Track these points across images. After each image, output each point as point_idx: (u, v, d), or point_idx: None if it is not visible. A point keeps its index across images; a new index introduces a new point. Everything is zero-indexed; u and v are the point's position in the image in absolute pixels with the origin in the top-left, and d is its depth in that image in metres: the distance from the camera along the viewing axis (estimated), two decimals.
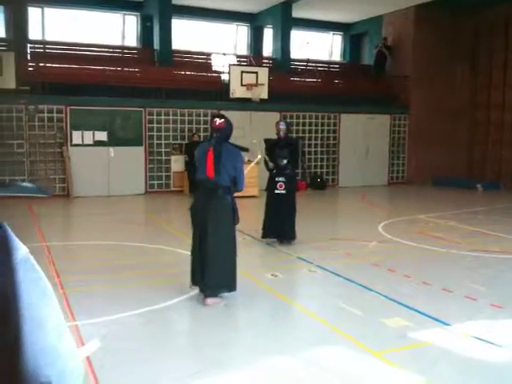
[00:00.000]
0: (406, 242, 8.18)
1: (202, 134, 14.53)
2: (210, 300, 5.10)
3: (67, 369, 1.17)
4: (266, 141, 8.23)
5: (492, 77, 17.13)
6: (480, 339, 4.25)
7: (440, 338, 4.29)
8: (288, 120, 15.62)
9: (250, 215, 9.64)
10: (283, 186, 7.71)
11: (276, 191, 7.74)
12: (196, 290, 5.43)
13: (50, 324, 1.12)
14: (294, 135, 15.52)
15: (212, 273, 5.06)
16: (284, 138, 7.86)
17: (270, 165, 7.83)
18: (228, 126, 5.25)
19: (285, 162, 7.76)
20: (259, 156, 7.50)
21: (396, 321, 4.66)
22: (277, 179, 7.76)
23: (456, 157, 17.75)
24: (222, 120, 5.21)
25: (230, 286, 5.23)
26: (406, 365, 3.77)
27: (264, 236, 7.90)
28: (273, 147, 7.88)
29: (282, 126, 7.88)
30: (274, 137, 8.04)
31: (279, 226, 7.75)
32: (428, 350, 4.09)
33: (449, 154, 17.48)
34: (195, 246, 5.25)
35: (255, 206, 11.01)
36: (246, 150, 6.03)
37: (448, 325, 4.58)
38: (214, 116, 5.38)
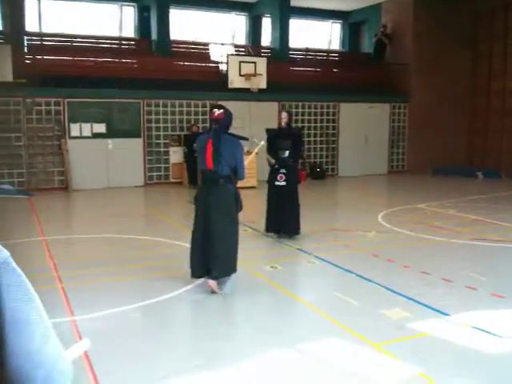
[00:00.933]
0: (406, 231, 8.15)
1: (200, 125, 14.46)
2: (213, 283, 5.16)
3: (54, 371, 1.15)
4: (268, 131, 8.12)
5: (492, 64, 17.02)
6: (480, 329, 4.23)
7: (439, 329, 4.27)
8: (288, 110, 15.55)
9: (249, 206, 9.58)
10: (283, 178, 7.51)
11: (276, 183, 7.56)
12: (195, 282, 5.43)
13: (34, 327, 1.11)
14: (294, 125, 15.48)
15: (217, 260, 5.14)
16: (286, 127, 7.69)
17: (272, 161, 7.63)
18: (227, 117, 5.25)
19: (286, 154, 7.56)
20: (262, 142, 7.25)
21: (395, 312, 4.64)
22: (277, 171, 7.57)
23: (456, 145, 17.68)
24: (221, 111, 5.22)
25: (233, 269, 5.32)
26: (405, 356, 3.76)
27: (266, 229, 7.77)
28: (274, 138, 7.72)
29: (284, 116, 7.72)
30: (275, 127, 7.88)
31: (279, 220, 7.55)
32: (427, 341, 4.08)
33: (449, 142, 17.42)
34: (197, 237, 5.29)
35: (254, 197, 11.00)
36: (245, 139, 6.00)
37: (447, 315, 4.57)
38: (212, 107, 5.39)
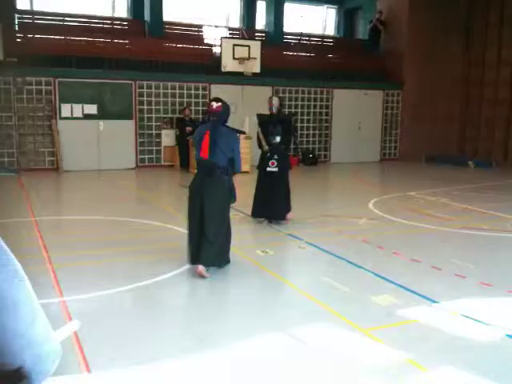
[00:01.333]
0: (397, 219, 8.18)
1: (193, 108, 14.38)
2: (202, 268, 5.18)
3: (43, 352, 1.13)
4: (259, 116, 8.06)
5: (486, 53, 17.01)
6: (468, 317, 4.27)
7: (428, 316, 4.30)
8: (281, 95, 15.49)
9: (242, 191, 9.52)
10: (275, 164, 7.51)
11: (268, 169, 7.54)
12: (186, 266, 5.43)
13: (22, 307, 1.09)
14: (287, 111, 15.43)
15: (210, 248, 5.22)
16: (276, 113, 7.65)
17: (265, 148, 7.60)
18: (224, 110, 5.41)
19: (277, 139, 7.57)
20: (253, 118, 7.27)
21: (384, 298, 4.67)
22: (269, 157, 7.55)
23: (449, 133, 17.73)
24: (219, 104, 5.39)
25: (226, 259, 5.50)
26: (393, 342, 3.78)
27: (253, 215, 7.77)
28: (265, 124, 7.69)
29: (275, 102, 7.67)
30: (267, 112, 7.86)
31: (269, 206, 7.54)
32: (416, 328, 4.10)
33: (442, 130, 17.46)
34: (192, 225, 5.36)
35: (247, 182, 10.96)
36: (242, 132, 6.07)
37: (436, 302, 4.59)
38: (211, 100, 5.55)
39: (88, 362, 3.41)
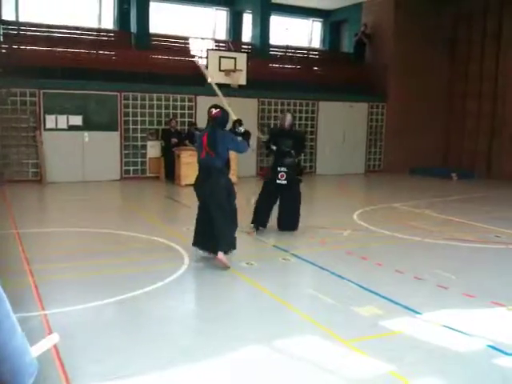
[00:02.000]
0: (381, 230, 8.22)
1: (179, 120, 14.38)
2: (221, 255, 5.87)
3: (20, 365, 1.13)
4: (271, 129, 8.25)
5: (469, 67, 17.25)
6: (450, 328, 4.30)
7: (411, 327, 4.32)
8: (265, 107, 15.56)
9: None
10: (284, 176, 7.75)
11: (277, 181, 7.76)
12: (169, 279, 5.42)
13: (2, 325, 1.09)
14: (273, 122, 15.49)
15: (221, 236, 5.89)
16: (289, 129, 7.94)
17: (273, 147, 7.84)
18: (223, 115, 6.02)
19: (287, 149, 7.79)
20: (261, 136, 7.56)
21: (368, 309, 4.68)
22: (279, 169, 7.77)
23: (433, 146, 17.90)
24: (218, 110, 6.01)
25: (234, 245, 6.16)
26: (376, 353, 3.79)
27: (254, 222, 7.81)
28: (275, 137, 7.94)
29: (288, 118, 8.00)
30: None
31: (282, 217, 7.87)
32: (399, 339, 4.12)
33: (426, 142, 17.61)
34: (201, 215, 6.13)
35: None
36: (239, 135, 6.31)
37: (419, 313, 4.62)
38: (211, 106, 6.10)
39: (68, 376, 3.37)
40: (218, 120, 5.96)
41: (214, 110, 6.00)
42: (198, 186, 6.05)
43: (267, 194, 7.85)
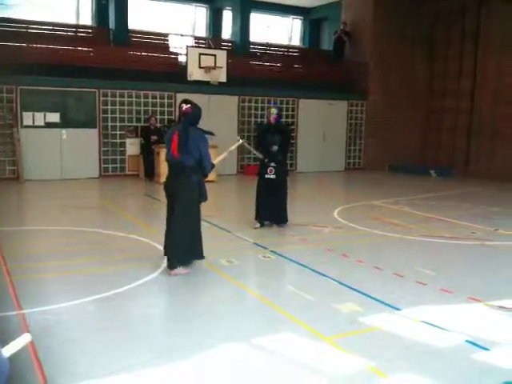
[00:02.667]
0: (361, 227, 8.28)
1: (158, 117, 14.28)
2: (173, 271, 5.52)
3: None
4: (258, 126, 8.26)
5: (448, 65, 17.45)
6: (429, 324, 4.34)
7: (390, 323, 4.35)
8: (246, 104, 15.56)
9: (207, 201, 9.54)
10: (273, 171, 7.89)
11: (266, 176, 7.90)
12: (147, 277, 5.38)
13: None
14: (253, 120, 15.49)
15: (175, 248, 5.52)
16: (274, 123, 7.98)
17: (260, 156, 7.97)
18: (194, 111, 5.55)
19: (275, 148, 7.92)
20: (240, 141, 7.49)
21: (348, 306, 4.70)
22: (267, 164, 7.91)
23: (412, 143, 18.09)
24: (189, 105, 5.54)
25: (198, 254, 5.75)
26: (356, 350, 3.81)
27: (257, 218, 8.06)
28: (264, 133, 8.01)
29: (274, 111, 8.00)
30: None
31: (274, 211, 8.00)
32: (378, 335, 4.14)
33: (405, 140, 17.80)
34: (167, 220, 5.69)
35: (213, 192, 10.93)
36: (211, 133, 6.12)
37: (398, 309, 4.66)
38: (181, 102, 5.68)
39: (47, 377, 3.32)
40: (189, 117, 5.50)
41: (184, 106, 5.55)
42: (169, 186, 5.61)
43: (260, 190, 8.03)
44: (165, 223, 5.75)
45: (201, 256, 5.80)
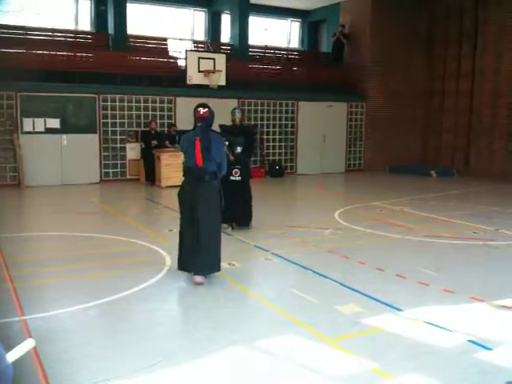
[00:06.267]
0: (362, 228, 8.28)
1: (158, 121, 14.30)
2: (198, 278, 5.38)
3: None
4: (221, 126, 8.20)
5: (447, 65, 17.45)
6: (431, 324, 4.34)
7: (393, 324, 4.35)
8: (246, 107, 15.58)
9: None
10: (238, 173, 7.90)
11: (231, 178, 7.83)
12: (150, 281, 5.38)
13: None
14: (252, 122, 15.50)
15: (206, 255, 5.36)
16: (239, 125, 8.02)
17: (231, 158, 7.80)
18: (211, 115, 5.53)
19: (239, 150, 7.95)
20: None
21: (350, 307, 4.71)
22: (232, 166, 7.76)
23: (412, 144, 18.10)
24: (206, 109, 5.50)
25: (219, 266, 5.58)
26: (359, 351, 3.81)
27: (226, 222, 7.81)
28: (228, 134, 7.87)
29: (238, 114, 8.05)
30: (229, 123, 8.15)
31: (234, 212, 7.80)
32: (381, 336, 4.14)
33: (405, 141, 17.80)
34: (185, 232, 5.50)
35: None
36: (219, 133, 6.19)
37: (400, 310, 4.66)
38: (197, 106, 5.58)
39: (49, 381, 3.33)
40: (207, 120, 5.46)
41: (202, 110, 5.48)
42: (189, 195, 5.38)
43: (226, 191, 7.83)
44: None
45: (219, 267, 5.64)
